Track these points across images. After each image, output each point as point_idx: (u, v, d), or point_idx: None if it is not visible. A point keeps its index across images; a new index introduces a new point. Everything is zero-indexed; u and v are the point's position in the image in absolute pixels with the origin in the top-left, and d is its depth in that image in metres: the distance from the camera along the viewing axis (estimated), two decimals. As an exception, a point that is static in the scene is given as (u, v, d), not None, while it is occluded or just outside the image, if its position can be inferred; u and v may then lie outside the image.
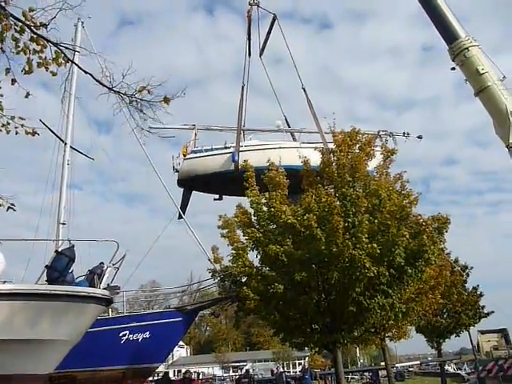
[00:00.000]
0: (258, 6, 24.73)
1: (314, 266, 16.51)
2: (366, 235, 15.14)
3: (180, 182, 23.72)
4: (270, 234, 17.19)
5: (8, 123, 7.80)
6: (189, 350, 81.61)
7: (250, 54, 25.25)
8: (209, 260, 18.50)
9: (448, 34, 14.61)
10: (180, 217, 22.84)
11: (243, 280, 17.83)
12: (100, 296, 10.97)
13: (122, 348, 16.77)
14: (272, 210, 17.12)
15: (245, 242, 17.79)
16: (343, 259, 15.11)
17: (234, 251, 17.49)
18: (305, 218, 15.56)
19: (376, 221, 16.22)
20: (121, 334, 16.96)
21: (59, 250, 10.84)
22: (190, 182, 23.76)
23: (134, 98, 6.36)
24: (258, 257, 17.68)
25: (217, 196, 25.36)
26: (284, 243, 16.24)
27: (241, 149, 23.16)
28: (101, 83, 6.72)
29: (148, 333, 17.22)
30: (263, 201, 17.78)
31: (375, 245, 14.91)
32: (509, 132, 16.18)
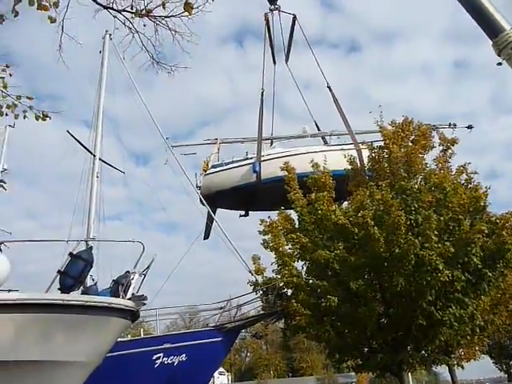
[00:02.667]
0: (279, 11, 23.27)
1: (371, 272, 14.35)
2: (436, 232, 12.80)
3: (202, 200, 22.06)
4: (317, 239, 15.16)
5: (15, 105, 6.42)
6: (230, 377, 78.59)
7: (274, 62, 23.84)
8: (249, 272, 16.47)
9: (491, 27, 12.50)
10: (206, 237, 21.52)
11: (289, 293, 15.72)
12: (123, 307, 9.12)
13: (155, 373, 14.82)
14: (319, 212, 15.13)
15: (289, 250, 15.84)
16: (408, 262, 12.84)
17: (278, 260, 15.44)
18: (359, 215, 13.44)
19: (442, 218, 13.92)
20: (154, 357, 15.04)
21: (74, 252, 9.10)
22: (213, 199, 21.89)
23: (143, 14, 4.62)
24: (305, 267, 15.68)
25: (243, 212, 23.58)
26: (335, 248, 14.15)
27: (264, 158, 21.46)
28: (101, 5, 5.06)
29: (184, 355, 15.22)
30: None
31: (448, 243, 12.55)
32: None
